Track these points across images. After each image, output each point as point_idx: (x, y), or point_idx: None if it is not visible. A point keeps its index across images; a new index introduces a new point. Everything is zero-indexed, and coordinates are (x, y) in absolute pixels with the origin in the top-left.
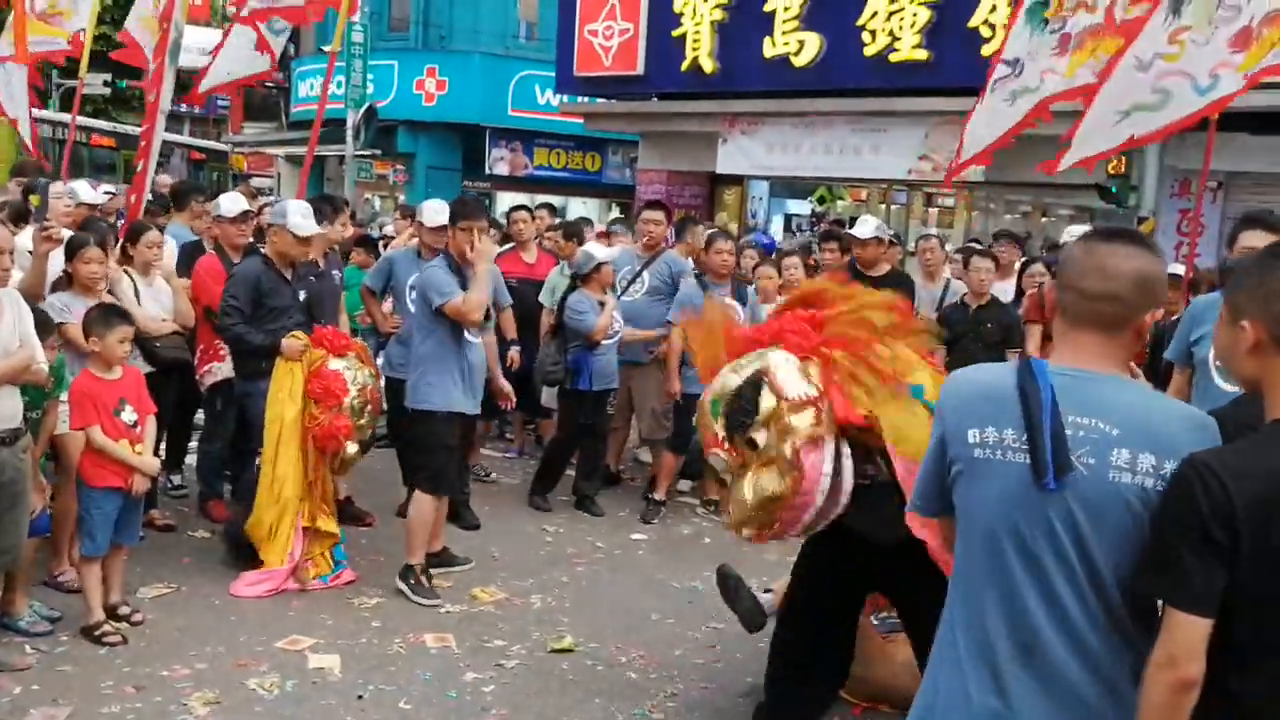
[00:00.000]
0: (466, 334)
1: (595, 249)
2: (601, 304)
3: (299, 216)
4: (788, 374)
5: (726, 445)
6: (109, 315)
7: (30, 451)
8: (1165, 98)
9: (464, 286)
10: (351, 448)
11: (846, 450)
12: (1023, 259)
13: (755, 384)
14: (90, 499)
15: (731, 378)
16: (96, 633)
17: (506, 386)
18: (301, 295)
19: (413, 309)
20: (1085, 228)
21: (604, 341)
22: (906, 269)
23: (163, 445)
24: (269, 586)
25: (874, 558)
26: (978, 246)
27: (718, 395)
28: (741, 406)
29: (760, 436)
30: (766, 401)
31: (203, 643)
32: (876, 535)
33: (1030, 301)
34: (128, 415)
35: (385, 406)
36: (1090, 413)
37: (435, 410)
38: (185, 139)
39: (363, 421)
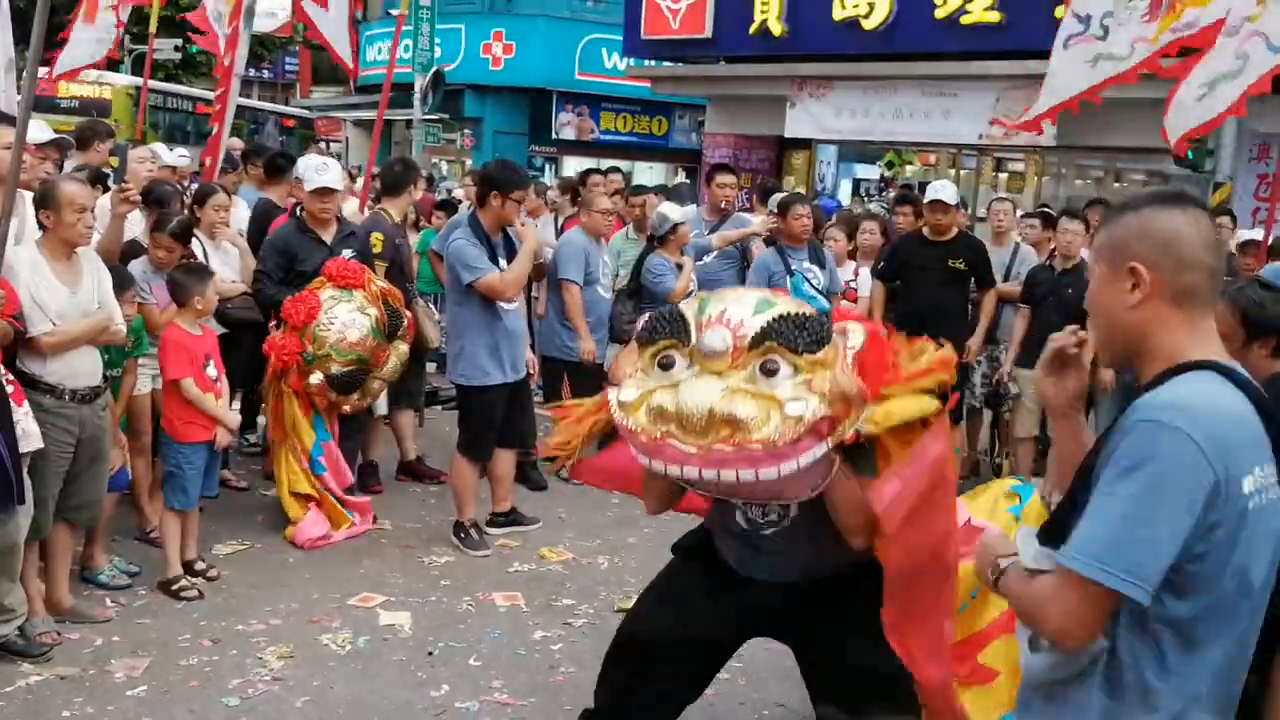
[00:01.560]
0: (501, 303)
1: (670, 210)
2: (679, 266)
3: (312, 172)
4: (850, 360)
5: (738, 337)
6: (199, 271)
7: (110, 409)
8: (1244, 62)
9: (493, 256)
10: (314, 378)
11: (835, 469)
12: None
13: (828, 329)
14: (180, 454)
15: (797, 308)
16: (174, 587)
17: (532, 358)
18: (347, 254)
19: None
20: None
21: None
22: (974, 233)
23: (235, 405)
24: (324, 529)
25: (767, 595)
26: (1049, 212)
27: (768, 301)
28: (804, 329)
29: (787, 373)
30: (827, 352)
31: (276, 599)
32: (777, 575)
33: None
34: (212, 371)
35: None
36: None
37: (471, 385)
38: (279, 107)
39: (324, 352)
